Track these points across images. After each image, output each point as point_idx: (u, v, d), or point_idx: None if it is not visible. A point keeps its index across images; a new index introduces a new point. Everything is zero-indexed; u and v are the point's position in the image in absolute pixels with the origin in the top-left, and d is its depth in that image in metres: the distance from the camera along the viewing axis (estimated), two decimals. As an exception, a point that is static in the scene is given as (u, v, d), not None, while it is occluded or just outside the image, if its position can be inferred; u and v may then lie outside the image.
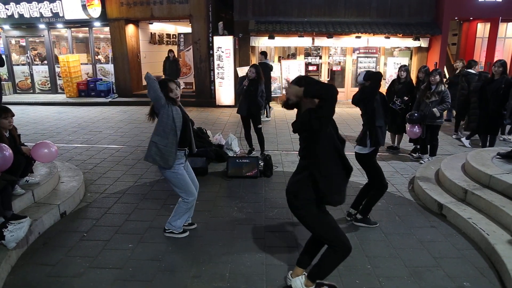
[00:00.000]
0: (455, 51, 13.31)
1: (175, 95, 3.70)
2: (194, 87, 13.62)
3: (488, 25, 11.80)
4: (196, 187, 3.91)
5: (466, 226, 4.02)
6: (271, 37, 11.96)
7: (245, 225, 4.20)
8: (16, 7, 13.38)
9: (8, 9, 13.47)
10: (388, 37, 11.98)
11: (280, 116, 10.56)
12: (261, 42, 12.52)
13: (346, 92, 13.43)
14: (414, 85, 6.96)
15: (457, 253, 3.64)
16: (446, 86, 6.41)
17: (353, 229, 4.08)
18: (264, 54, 10.44)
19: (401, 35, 11.99)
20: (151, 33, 14.87)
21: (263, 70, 9.74)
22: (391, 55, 13.37)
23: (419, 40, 12.13)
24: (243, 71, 12.00)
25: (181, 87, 13.49)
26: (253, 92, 6.36)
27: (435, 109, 5.98)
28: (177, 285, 3.14)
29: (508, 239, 3.60)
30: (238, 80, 7.22)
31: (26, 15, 13.46)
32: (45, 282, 3.17)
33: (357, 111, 4.15)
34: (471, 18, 12.14)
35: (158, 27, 15.25)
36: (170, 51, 12.57)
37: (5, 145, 3.81)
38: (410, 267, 3.39)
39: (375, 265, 3.42)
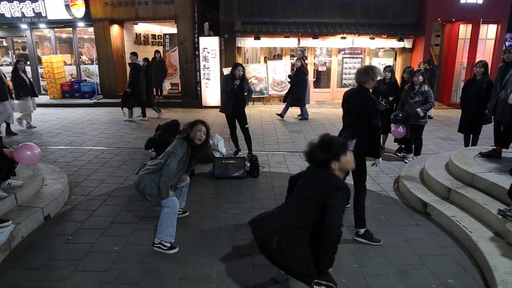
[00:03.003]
0: (438, 51, 13.53)
1: (199, 140, 3.68)
2: (180, 88, 13.55)
3: (469, 27, 12.02)
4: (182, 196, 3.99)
5: (450, 224, 4.09)
6: (257, 37, 11.98)
7: (232, 226, 4.19)
8: (-3, 7, 13.12)
9: (-12, 9, 13.20)
10: (372, 38, 12.12)
11: (266, 117, 10.58)
12: (247, 43, 12.54)
13: (332, 92, 13.53)
14: (399, 85, 7.06)
15: (441, 250, 3.71)
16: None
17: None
18: (135, 54, 10.22)
19: (385, 36, 12.15)
20: (136, 33, 14.74)
21: (135, 71, 9.86)
22: (376, 55, 13.53)
23: (403, 41, 12.30)
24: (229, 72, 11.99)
25: (168, 88, 13.43)
26: (240, 91, 6.37)
27: (418, 109, 6.07)
28: (164, 287, 3.11)
29: (490, 236, 3.68)
30: (223, 79, 7.10)
31: (7, 15, 13.19)
32: (29, 287, 3.11)
33: (342, 111, 4.16)
34: (453, 20, 12.34)
35: (143, 28, 15.12)
36: (157, 51, 12.49)
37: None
38: (395, 265, 3.44)
39: (361, 264, 3.46)
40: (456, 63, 12.47)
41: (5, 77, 8.02)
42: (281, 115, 10.46)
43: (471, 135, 6.57)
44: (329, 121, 10.08)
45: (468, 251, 3.68)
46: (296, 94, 10.14)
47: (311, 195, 2.63)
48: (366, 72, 3.77)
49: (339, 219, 2.52)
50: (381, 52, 13.65)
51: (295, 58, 11.02)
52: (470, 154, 5.39)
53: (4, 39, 14.63)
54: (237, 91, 6.36)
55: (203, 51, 12.04)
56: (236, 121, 6.62)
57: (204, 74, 12.21)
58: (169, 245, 3.64)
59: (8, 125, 8.46)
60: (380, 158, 3.92)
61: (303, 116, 10.36)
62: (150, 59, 12.32)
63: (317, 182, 2.68)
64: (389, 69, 6.90)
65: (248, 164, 5.80)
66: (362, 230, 3.88)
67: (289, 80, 10.60)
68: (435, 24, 12.77)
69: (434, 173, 5.05)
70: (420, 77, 6.11)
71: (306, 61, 13.26)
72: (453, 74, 12.59)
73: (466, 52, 12.15)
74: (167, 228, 3.60)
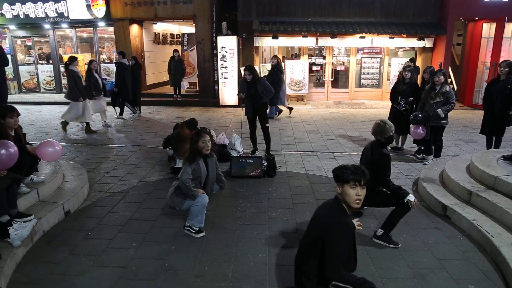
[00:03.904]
0: (460, 51, 13.24)
1: (206, 150, 3.92)
2: (197, 87, 13.64)
3: (494, 25, 11.70)
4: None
5: (471, 228, 4.00)
6: (275, 37, 11.96)
7: (248, 225, 4.20)
8: (22, 7, 13.48)
9: (14, 9, 13.57)
10: (392, 37, 11.94)
11: (284, 117, 10.55)
12: (265, 42, 12.53)
13: (350, 92, 13.41)
14: (419, 85, 6.93)
15: (461, 255, 3.63)
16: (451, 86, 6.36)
17: (356, 232, 4.06)
18: (121, 53, 10.37)
19: (405, 35, 11.95)
20: (155, 33, 14.91)
21: (121, 71, 9.95)
22: (395, 55, 13.33)
23: (423, 40, 12.09)
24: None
25: (186, 87, 13.52)
26: (254, 93, 6.37)
27: (439, 110, 5.95)
28: (180, 285, 3.14)
29: (513, 241, 3.58)
30: (239, 84, 7.19)
31: (32, 15, 13.54)
32: (49, 280, 3.18)
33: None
34: (476, 18, 12.05)
35: (162, 27, 15.29)
36: (175, 50, 12.60)
37: (11, 142, 3.84)
38: (413, 268, 3.38)
39: (379, 266, 3.41)
40: (479, 62, 12.18)
41: (82, 78, 8.33)
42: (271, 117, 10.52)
43: (494, 137, 6.40)
44: (347, 122, 9.98)
45: (490, 256, 3.58)
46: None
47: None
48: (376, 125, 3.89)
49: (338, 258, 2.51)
50: (400, 51, 13.44)
51: (272, 56, 11.01)
52: (493, 157, 5.25)
53: (27, 39, 15.00)
54: (251, 94, 6.39)
55: (221, 50, 12.09)
56: (257, 120, 6.66)
57: (221, 73, 12.27)
58: (197, 229, 3.93)
59: (87, 124, 8.72)
60: (411, 195, 3.71)
61: (270, 115, 10.33)
62: (169, 58, 12.50)
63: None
64: (409, 69, 6.78)
65: (265, 164, 5.79)
66: (381, 232, 3.84)
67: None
68: (457, 23, 12.50)
69: (454, 175, 4.94)
70: (442, 77, 5.99)
71: (324, 60, 13.19)
72: (475, 74, 12.29)
73: (489, 51, 11.84)
74: (197, 216, 3.90)
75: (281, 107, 10.53)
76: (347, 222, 2.58)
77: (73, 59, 8.32)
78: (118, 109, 10.48)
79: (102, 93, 9.14)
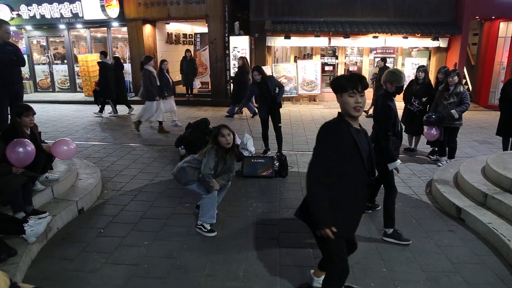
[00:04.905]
0: (476, 51, 13.03)
1: (227, 143, 3.82)
2: (210, 87, 13.69)
3: (511, 24, 11.49)
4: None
5: (486, 231, 3.93)
6: (287, 37, 11.93)
7: (260, 225, 4.19)
8: (38, 8, 13.70)
9: (30, 10, 13.81)
10: (406, 37, 11.81)
11: (295, 117, 10.53)
12: (277, 42, 12.51)
13: (363, 93, 13.28)
14: (433, 86, 6.84)
15: (476, 258, 3.56)
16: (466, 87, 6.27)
17: (367, 233, 4.03)
18: (103, 53, 10.45)
19: (419, 35, 11.81)
20: (167, 33, 15.01)
21: (103, 70, 10.04)
22: (409, 55, 13.19)
23: (438, 40, 11.93)
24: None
25: (198, 87, 13.57)
26: (267, 93, 6.35)
27: (453, 111, 5.87)
28: (191, 283, 3.15)
29: (530, 245, 3.51)
30: (249, 88, 7.06)
31: (47, 16, 13.76)
32: (63, 276, 3.23)
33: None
34: (493, 17, 11.83)
35: (174, 27, 15.38)
36: (187, 50, 12.67)
37: (28, 140, 3.91)
38: (426, 271, 3.33)
39: (391, 268, 3.38)
40: (495, 63, 11.96)
41: (156, 78, 8.33)
42: (230, 115, 10.58)
43: (510, 139, 6.29)
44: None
45: (506, 260, 3.51)
46: (237, 93, 10.25)
47: None
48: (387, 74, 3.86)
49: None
50: (414, 51, 13.29)
51: (238, 57, 11.00)
52: (509, 159, 5.15)
53: (41, 39, 15.25)
54: (263, 95, 6.35)
55: (233, 50, 12.11)
56: (270, 119, 6.64)
57: (234, 73, 12.28)
58: (209, 227, 3.95)
59: (160, 123, 8.78)
60: (396, 162, 3.69)
61: (229, 112, 10.59)
62: (181, 58, 12.57)
63: None
64: (423, 69, 6.70)
65: (277, 164, 5.78)
66: (390, 230, 3.82)
67: (231, 80, 10.74)
68: (472, 22, 12.29)
69: (469, 177, 4.87)
70: (456, 78, 5.90)
71: (336, 60, 13.11)
72: (491, 74, 12.08)
73: (506, 51, 11.63)
74: (209, 211, 3.93)
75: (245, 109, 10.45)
76: (338, 126, 2.42)
77: (149, 59, 8.26)
78: (108, 107, 10.72)
79: (174, 93, 9.18)
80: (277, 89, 6.42)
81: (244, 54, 12.04)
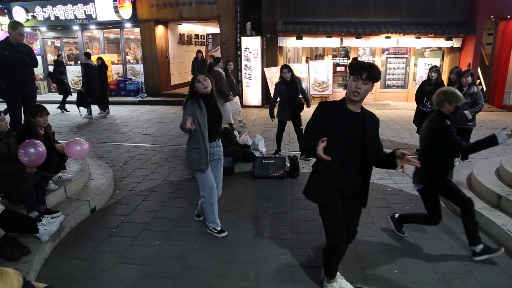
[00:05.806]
0: (490, 51, 12.82)
1: (204, 87, 3.55)
2: (221, 87, 13.70)
3: (526, 24, 11.31)
4: (218, 185, 3.91)
5: (500, 233, 3.86)
6: (299, 37, 11.89)
7: (271, 226, 4.19)
8: (53, 10, 13.91)
9: (45, 12, 14.03)
10: (419, 37, 11.67)
11: (307, 118, 10.46)
12: (289, 43, 12.49)
13: (375, 93, 13.19)
14: (446, 86, 6.74)
15: (489, 260, 3.50)
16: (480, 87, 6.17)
17: (378, 234, 4.00)
18: (87, 55, 10.49)
19: (432, 35, 11.67)
20: (179, 33, 15.11)
21: (87, 71, 10.03)
22: (422, 55, 13.03)
23: (451, 40, 11.77)
24: (270, 72, 12.00)
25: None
26: (295, 94, 6.24)
27: (466, 112, 5.78)
28: (202, 283, 3.16)
29: (546, 248, 3.44)
30: (275, 88, 6.52)
31: (62, 17, 13.97)
32: (75, 275, 3.27)
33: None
34: (508, 17, 11.63)
35: (186, 28, 15.47)
36: (199, 51, 12.73)
37: (39, 141, 3.97)
38: (439, 273, 3.29)
39: (403, 270, 3.34)
40: (510, 63, 11.74)
41: (225, 80, 8.17)
42: None
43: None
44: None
45: (521, 263, 3.45)
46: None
47: None
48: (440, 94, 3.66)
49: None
50: (427, 52, 13.13)
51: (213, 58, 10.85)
52: (524, 160, 5.06)
53: (56, 40, 15.48)
54: (290, 95, 6.19)
55: (245, 50, 12.13)
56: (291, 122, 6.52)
57: (245, 73, 12.31)
58: (219, 228, 3.94)
59: (230, 124, 8.54)
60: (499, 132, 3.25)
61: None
62: (192, 59, 12.63)
63: None
64: (435, 69, 6.62)
65: (288, 164, 5.77)
66: (479, 247, 3.49)
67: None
68: (487, 22, 12.10)
69: (483, 178, 4.79)
70: (469, 78, 5.81)
71: (348, 61, 13.02)
72: (506, 74, 11.86)
73: (521, 51, 11.42)
74: (209, 217, 3.91)
75: None
76: (333, 104, 2.81)
77: (217, 60, 8.15)
78: (82, 109, 10.73)
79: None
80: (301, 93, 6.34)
81: (256, 54, 12.05)
